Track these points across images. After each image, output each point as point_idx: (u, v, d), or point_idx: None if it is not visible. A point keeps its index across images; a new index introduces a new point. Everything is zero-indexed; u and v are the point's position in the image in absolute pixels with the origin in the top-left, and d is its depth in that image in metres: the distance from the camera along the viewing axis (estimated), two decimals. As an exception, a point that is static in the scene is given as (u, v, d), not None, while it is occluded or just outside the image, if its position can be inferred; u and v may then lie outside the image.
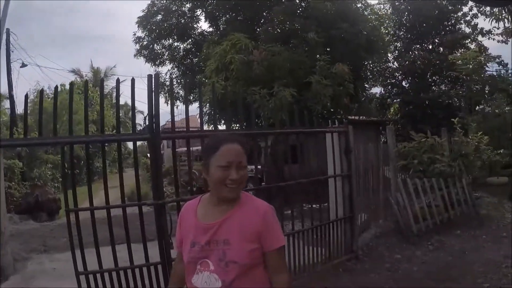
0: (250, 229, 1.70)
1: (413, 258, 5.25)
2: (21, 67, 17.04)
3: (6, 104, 17.69)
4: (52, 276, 5.77)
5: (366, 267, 5.10)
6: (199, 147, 4.02)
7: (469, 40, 16.32)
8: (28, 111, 3.93)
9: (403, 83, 17.13)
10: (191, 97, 12.79)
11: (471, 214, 6.76)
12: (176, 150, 4.15)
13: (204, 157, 1.76)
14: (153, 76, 3.79)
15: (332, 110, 9.95)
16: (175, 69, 14.63)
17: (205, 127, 8.47)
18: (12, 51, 16.04)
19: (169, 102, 9.96)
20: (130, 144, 4.52)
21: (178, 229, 1.88)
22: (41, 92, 3.94)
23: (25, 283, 5.53)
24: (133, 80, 3.82)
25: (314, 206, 5.00)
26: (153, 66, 14.34)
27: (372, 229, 6.51)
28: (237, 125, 7.24)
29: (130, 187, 3.99)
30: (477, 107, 13.41)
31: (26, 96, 4.31)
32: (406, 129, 13.57)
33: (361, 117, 13.29)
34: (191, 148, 4.33)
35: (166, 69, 16.49)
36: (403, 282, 4.50)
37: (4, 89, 16.22)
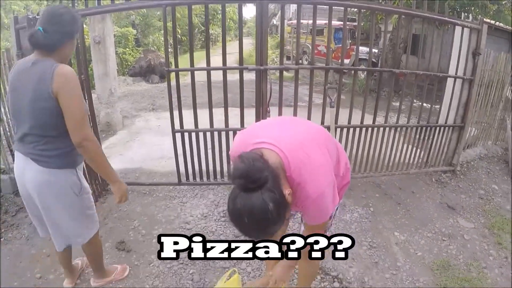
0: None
1: (510, 196, 5.03)
2: None
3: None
4: (155, 132, 6.57)
5: (460, 186, 5.03)
6: (310, 21, 3.94)
7: None
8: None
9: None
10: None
11: None
12: (291, 21, 4.13)
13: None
14: None
15: (465, 5, 9.01)
16: None
17: None
18: None
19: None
20: (244, 13, 4.54)
21: None
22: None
23: (130, 137, 6.33)
24: None
25: (424, 105, 4.86)
26: None
27: (478, 148, 6.25)
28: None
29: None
30: None
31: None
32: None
33: (497, 22, 11.92)
34: (303, 21, 4.28)
35: None
36: (491, 217, 4.37)
37: None
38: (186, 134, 4.12)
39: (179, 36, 17.98)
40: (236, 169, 1.42)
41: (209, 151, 4.22)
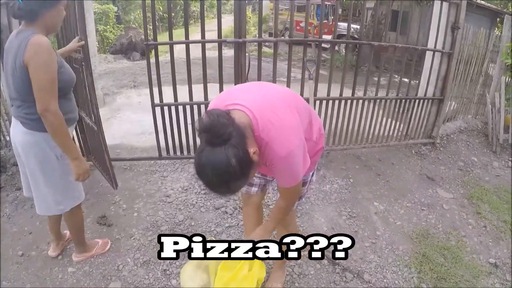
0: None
1: (489, 167, 5.14)
2: None
3: None
4: (136, 108, 6.51)
5: (440, 157, 5.11)
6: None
7: None
8: None
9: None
10: None
11: None
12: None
13: None
14: None
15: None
16: None
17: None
18: None
19: None
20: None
21: None
22: None
23: (111, 114, 6.26)
24: None
25: (404, 79, 4.89)
26: None
27: (458, 122, 6.34)
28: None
29: (225, 31, 4.05)
30: None
31: None
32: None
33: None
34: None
35: None
36: (470, 188, 4.47)
37: None
38: (166, 108, 4.08)
39: (161, 13, 17.68)
40: (202, 124, 1.47)
41: (189, 126, 4.19)
